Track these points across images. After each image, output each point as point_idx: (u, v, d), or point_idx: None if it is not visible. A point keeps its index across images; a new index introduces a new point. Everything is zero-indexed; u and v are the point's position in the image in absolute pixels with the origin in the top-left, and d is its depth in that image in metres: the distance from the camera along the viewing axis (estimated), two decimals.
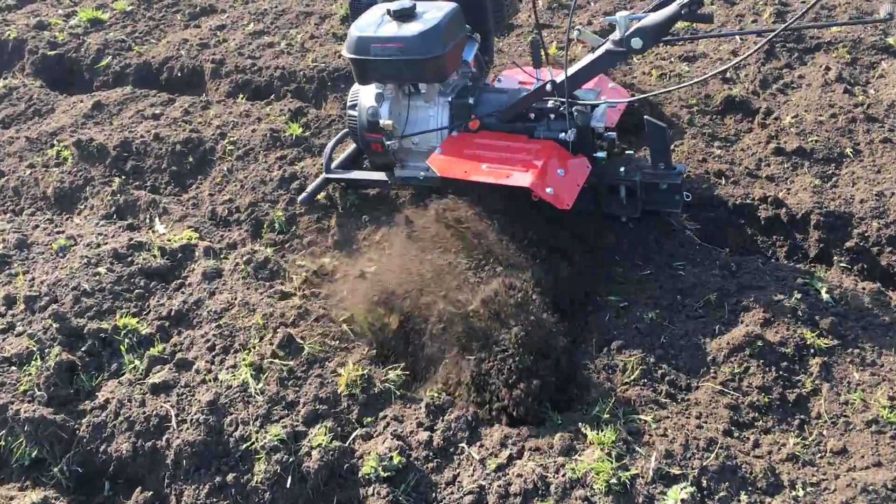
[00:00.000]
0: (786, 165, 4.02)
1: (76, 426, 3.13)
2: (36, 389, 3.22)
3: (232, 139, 4.59)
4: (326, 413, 3.01)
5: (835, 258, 3.59)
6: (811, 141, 4.12)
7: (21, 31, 6.04)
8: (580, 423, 2.80)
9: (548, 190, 3.25)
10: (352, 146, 4.20)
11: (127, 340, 3.39)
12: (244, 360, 3.21)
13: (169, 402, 3.11)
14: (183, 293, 3.60)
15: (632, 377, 3.00)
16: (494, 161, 3.46)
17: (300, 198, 4.06)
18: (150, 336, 3.43)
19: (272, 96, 5.12)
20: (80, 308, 3.50)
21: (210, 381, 3.16)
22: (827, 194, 3.77)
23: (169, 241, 3.92)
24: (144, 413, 3.09)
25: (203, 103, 5.02)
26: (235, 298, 3.54)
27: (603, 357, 3.10)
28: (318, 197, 4.07)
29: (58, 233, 4.06)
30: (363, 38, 3.55)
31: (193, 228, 4.03)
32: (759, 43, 3.35)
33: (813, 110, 4.33)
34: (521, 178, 3.28)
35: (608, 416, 2.81)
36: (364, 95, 3.83)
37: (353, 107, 3.89)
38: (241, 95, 5.26)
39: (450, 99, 3.74)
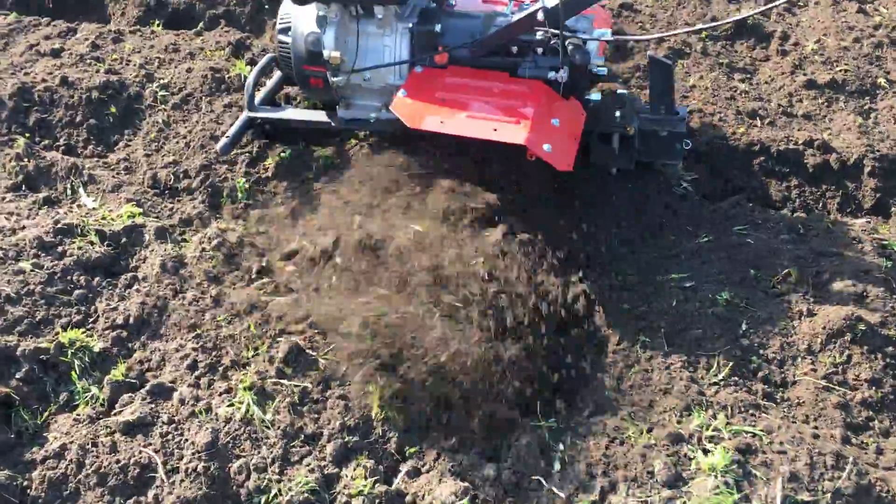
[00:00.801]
0: (820, 101, 3.60)
1: (26, 484, 2.40)
2: None
3: (162, 82, 3.73)
4: (359, 446, 2.42)
5: (893, 209, 3.22)
6: (840, 71, 3.70)
7: None
8: (679, 443, 2.33)
9: (545, 147, 2.71)
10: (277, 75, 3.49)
11: (77, 361, 2.64)
12: (241, 382, 2.55)
13: (151, 445, 2.43)
14: (139, 291, 2.86)
15: (720, 376, 2.54)
16: (475, 107, 2.87)
17: (219, 145, 3.32)
18: (106, 353, 2.69)
19: (199, 24, 4.23)
20: (5, 321, 2.70)
21: (201, 413, 2.49)
22: (874, 135, 3.38)
23: (105, 220, 3.12)
24: (119, 462, 2.40)
25: (113, 34, 4.07)
26: (210, 296, 2.83)
27: (679, 352, 2.63)
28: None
29: None
30: None
31: (133, 202, 3.22)
32: None
33: (833, 34, 3.90)
34: (514, 133, 2.72)
35: (709, 430, 2.36)
36: (301, 18, 3.13)
37: (286, 31, 3.18)
38: (155, 22, 4.33)
39: (410, 25, 3.09)
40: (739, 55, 3.89)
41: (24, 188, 3.36)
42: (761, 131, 3.40)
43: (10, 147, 3.47)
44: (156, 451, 2.41)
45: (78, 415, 2.55)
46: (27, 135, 3.54)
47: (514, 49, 3.04)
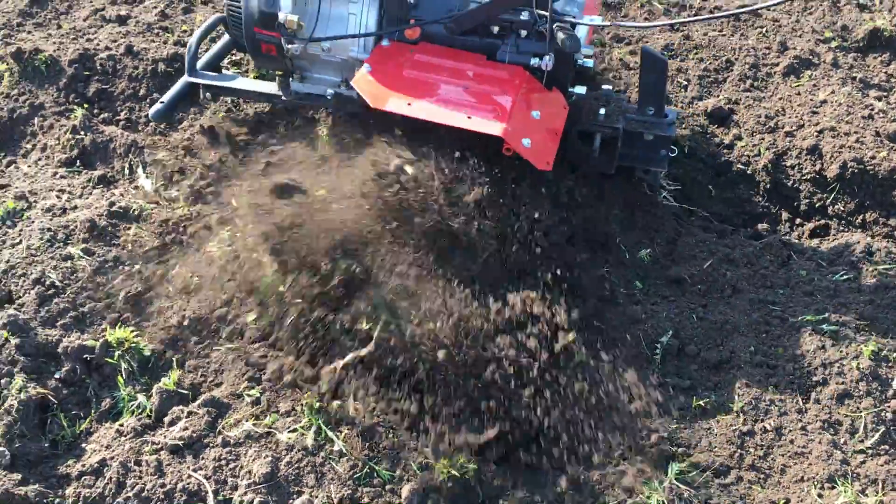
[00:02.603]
0: None
1: (58, 502, 2.10)
2: None
3: (234, 58, 3.42)
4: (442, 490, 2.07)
5: None
6: None
7: None
8: None
9: (524, 141, 2.40)
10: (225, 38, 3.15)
11: (124, 364, 2.34)
12: (304, 400, 2.22)
13: (202, 469, 2.11)
14: None
15: (867, 443, 2.15)
16: (447, 92, 2.53)
17: (152, 109, 3.03)
18: (157, 356, 2.38)
19: None
20: (47, 312, 2.40)
21: (259, 436, 2.16)
22: None
23: (165, 205, 2.82)
24: (164, 486, 2.09)
25: (184, 3, 3.78)
26: None
27: (816, 409, 2.24)
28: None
29: (2, 187, 2.89)
30: None
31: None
32: None
33: None
34: (490, 123, 2.40)
35: None
36: None
37: None
38: None
39: None
40: (873, 70, 3.47)
41: (78, 164, 3.08)
42: None
43: (66, 118, 3.20)
44: (207, 478, 2.10)
45: (121, 426, 2.25)
46: (86, 105, 3.26)
47: (495, 29, 2.68)
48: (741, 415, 2.25)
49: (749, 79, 3.39)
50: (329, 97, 2.82)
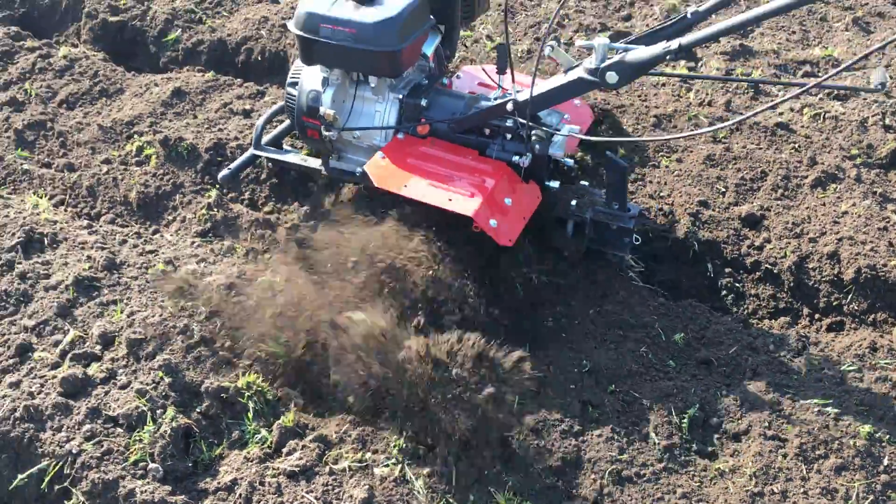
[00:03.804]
0: None
1: None
2: (150, 461, 2.75)
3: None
4: None
5: None
6: None
7: None
8: None
9: (491, 222, 2.99)
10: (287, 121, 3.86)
11: (252, 404, 2.91)
12: (395, 443, 2.76)
13: (312, 492, 2.66)
14: None
15: None
16: (439, 177, 3.14)
17: (221, 174, 3.77)
18: (278, 400, 2.95)
19: None
20: (197, 361, 3.00)
21: (359, 468, 2.70)
22: None
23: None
24: (282, 503, 2.63)
25: None
26: None
27: (818, 477, 2.69)
28: None
29: (150, 252, 3.53)
30: (313, 14, 3.22)
31: None
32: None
33: None
34: (465, 205, 2.98)
35: None
36: (307, 76, 3.47)
37: (294, 84, 3.52)
38: None
39: (401, 96, 3.40)
40: (893, 185, 3.95)
41: (211, 235, 3.72)
42: None
43: (202, 196, 3.86)
44: (316, 499, 2.64)
45: (248, 453, 2.80)
46: (217, 186, 3.92)
47: (487, 131, 3.32)
48: (753, 478, 2.70)
49: (780, 188, 3.89)
50: (357, 173, 3.45)
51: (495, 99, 3.35)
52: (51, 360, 3.02)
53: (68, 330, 3.10)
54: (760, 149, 4.12)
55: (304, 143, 3.74)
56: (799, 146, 4.14)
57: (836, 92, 4.52)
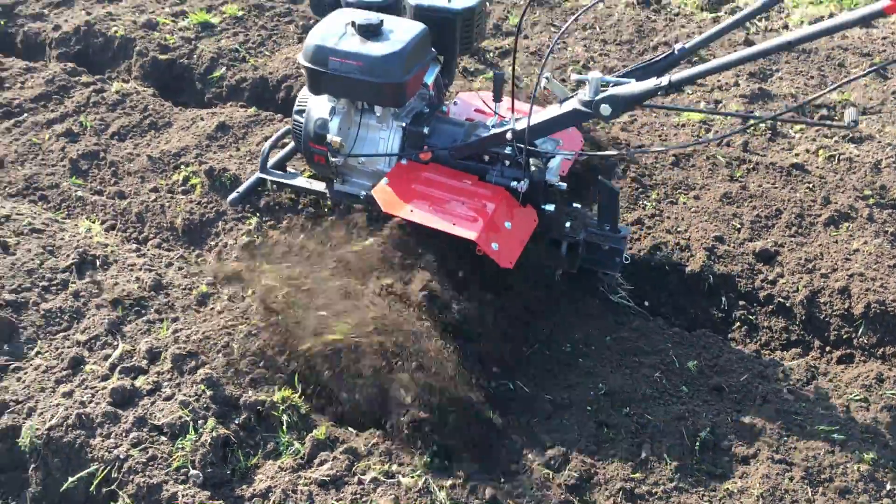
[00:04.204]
0: None
1: None
2: (191, 467, 2.94)
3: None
4: None
5: None
6: None
7: (129, 28, 5.72)
8: None
9: (493, 245, 3.15)
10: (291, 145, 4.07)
11: (286, 417, 3.10)
12: (420, 458, 2.93)
13: (342, 500, 2.83)
14: None
15: None
16: (442, 202, 3.31)
17: (230, 198, 3.99)
18: (310, 415, 3.14)
19: None
20: (236, 377, 3.21)
21: (386, 478, 2.87)
22: None
23: None
24: None
25: None
26: None
27: (823, 499, 2.82)
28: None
29: (193, 275, 3.76)
30: (322, 47, 3.39)
31: None
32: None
33: None
34: (468, 229, 3.15)
35: None
36: (314, 104, 3.66)
37: (301, 112, 3.72)
38: None
39: (404, 124, 3.59)
40: None
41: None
42: None
43: (243, 223, 4.10)
44: None
45: (282, 463, 2.98)
46: (258, 214, 4.16)
47: (486, 158, 3.50)
48: (761, 499, 2.83)
49: (794, 226, 4.05)
50: (361, 197, 3.64)
51: (493, 126, 3.54)
52: (101, 372, 3.23)
53: (117, 345, 3.33)
54: (776, 188, 4.29)
55: (311, 168, 3.93)
56: (813, 186, 4.30)
57: (850, 134, 4.69)
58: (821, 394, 3.25)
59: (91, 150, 4.63)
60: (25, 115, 4.89)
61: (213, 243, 4.08)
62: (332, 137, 3.55)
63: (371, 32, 3.37)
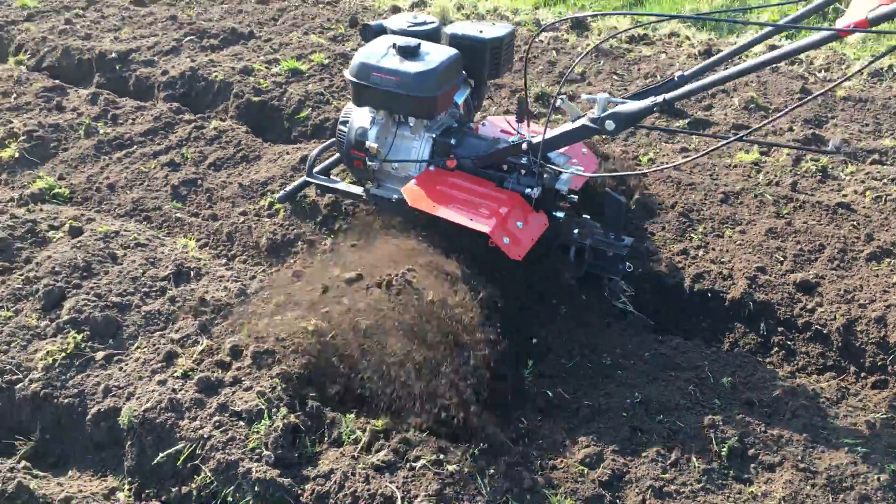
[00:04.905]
0: None
1: (300, 492, 3.20)
2: (264, 449, 3.32)
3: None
4: None
5: None
6: None
7: (227, 73, 6.35)
8: None
9: (504, 239, 3.51)
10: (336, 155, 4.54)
11: (349, 415, 3.46)
12: (472, 451, 3.23)
13: (394, 482, 3.16)
14: None
15: None
16: (462, 202, 3.68)
17: (277, 195, 4.59)
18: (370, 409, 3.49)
19: None
20: (306, 370, 3.59)
21: (433, 465, 3.18)
22: None
23: None
24: (369, 490, 3.14)
25: None
26: None
27: None
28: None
29: (272, 286, 4.20)
30: (366, 64, 3.84)
31: None
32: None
33: None
34: (483, 224, 3.52)
35: None
36: (357, 115, 4.12)
37: (345, 123, 4.17)
38: None
39: (434, 135, 4.01)
40: None
41: None
42: None
43: (319, 243, 4.54)
44: (398, 488, 3.14)
45: (342, 450, 3.33)
46: (332, 235, 4.59)
47: (505, 167, 3.90)
48: (783, 502, 3.04)
49: (836, 260, 4.24)
50: (393, 200, 4.05)
51: (513, 141, 3.97)
52: (190, 365, 3.67)
53: (205, 343, 3.77)
54: (821, 224, 4.49)
55: (350, 172, 4.42)
56: (858, 224, 4.48)
57: None
58: (849, 412, 3.43)
59: (190, 178, 5.18)
60: (135, 146, 5.51)
61: (291, 260, 4.53)
62: (371, 143, 4.02)
63: (409, 53, 3.83)
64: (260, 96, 6.10)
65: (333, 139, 4.55)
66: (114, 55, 6.75)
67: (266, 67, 6.50)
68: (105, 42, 7.04)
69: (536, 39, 7.18)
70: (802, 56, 6.69)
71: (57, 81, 6.38)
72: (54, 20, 7.58)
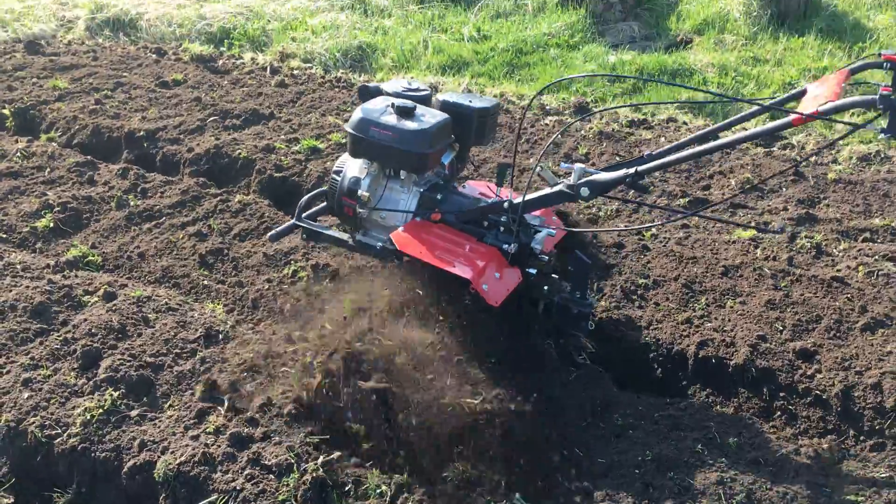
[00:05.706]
0: None
1: None
2: (293, 501, 3.48)
3: None
4: None
5: None
6: None
7: (250, 151, 6.69)
8: None
9: (483, 286, 3.75)
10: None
11: (375, 470, 3.63)
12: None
13: None
14: None
15: None
16: (446, 250, 3.95)
17: (269, 234, 4.83)
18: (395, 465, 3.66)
19: None
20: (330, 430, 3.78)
21: None
22: None
23: None
24: None
25: None
26: None
27: None
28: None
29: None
30: (366, 119, 4.13)
31: None
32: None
33: None
34: (464, 270, 3.79)
35: None
36: (351, 166, 4.41)
37: (338, 172, 4.45)
38: None
39: (422, 190, 4.29)
40: None
41: None
42: None
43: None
44: None
45: (369, 503, 3.50)
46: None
47: (485, 224, 4.15)
48: None
49: (833, 330, 4.47)
50: (377, 248, 4.31)
51: (494, 201, 4.27)
52: (222, 422, 3.85)
53: (235, 400, 3.95)
54: (817, 297, 4.74)
55: (339, 219, 4.67)
56: (852, 297, 4.73)
57: (890, 254, 5.13)
58: (850, 471, 3.61)
59: (216, 248, 5.44)
60: (164, 217, 5.79)
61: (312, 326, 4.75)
62: (363, 192, 4.30)
63: (406, 113, 4.16)
64: (281, 172, 6.43)
65: (323, 188, 4.83)
66: (142, 133, 7.11)
67: (286, 146, 6.86)
68: (133, 121, 7.42)
69: (542, 123, 7.59)
70: (794, 141, 7.08)
71: (88, 157, 6.71)
72: (84, 100, 7.99)
